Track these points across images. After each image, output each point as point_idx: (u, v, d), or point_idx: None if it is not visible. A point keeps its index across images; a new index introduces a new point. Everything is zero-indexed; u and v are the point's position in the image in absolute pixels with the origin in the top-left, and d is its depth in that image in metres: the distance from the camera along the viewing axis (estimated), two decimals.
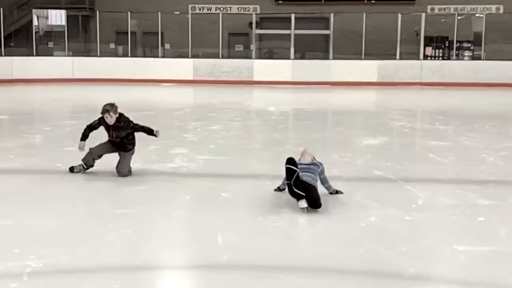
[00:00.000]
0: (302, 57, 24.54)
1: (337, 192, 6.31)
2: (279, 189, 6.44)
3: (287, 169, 5.67)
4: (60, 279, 4.20)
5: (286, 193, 5.99)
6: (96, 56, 24.35)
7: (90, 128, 7.44)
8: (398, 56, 23.21)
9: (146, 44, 26.23)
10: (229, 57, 24.79)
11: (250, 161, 8.80)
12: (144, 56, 25.39)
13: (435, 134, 11.44)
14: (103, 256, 4.60)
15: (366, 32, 23.24)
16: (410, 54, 23.51)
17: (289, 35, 23.86)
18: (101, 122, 7.29)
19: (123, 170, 7.22)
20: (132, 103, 17.13)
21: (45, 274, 4.24)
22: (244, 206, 6.12)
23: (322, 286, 4.14)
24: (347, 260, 4.58)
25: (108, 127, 7.25)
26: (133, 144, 7.44)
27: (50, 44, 25.57)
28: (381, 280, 4.31)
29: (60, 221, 5.43)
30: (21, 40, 25.58)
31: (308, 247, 4.81)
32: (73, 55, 24.40)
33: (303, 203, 5.60)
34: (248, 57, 24.44)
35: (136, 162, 8.22)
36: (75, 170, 7.32)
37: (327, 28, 24.47)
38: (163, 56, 24.63)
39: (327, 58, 23.82)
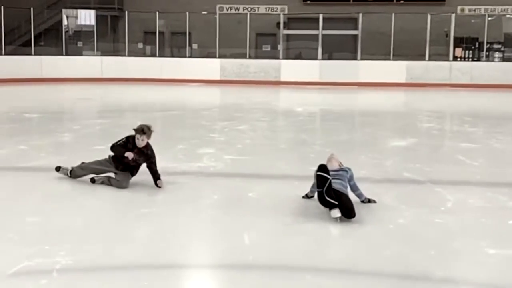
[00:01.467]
0: (330, 58, 24.46)
1: (369, 201, 5.98)
2: (307, 196, 6.17)
3: (318, 176, 5.45)
4: (89, 276, 4.23)
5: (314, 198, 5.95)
6: (124, 55, 24.56)
7: (117, 146, 6.77)
8: (427, 57, 23.00)
9: (173, 44, 26.40)
10: (256, 57, 24.82)
11: (277, 161, 8.78)
12: (172, 56, 25.55)
13: (464, 136, 11.30)
14: (131, 254, 4.62)
15: (394, 32, 23.07)
16: (440, 55, 23.27)
17: (317, 35, 23.79)
18: (128, 140, 6.73)
19: (125, 184, 6.69)
20: (159, 102, 17.27)
21: (74, 271, 4.28)
22: (271, 206, 6.10)
23: None
24: (374, 262, 4.54)
25: (131, 148, 6.68)
26: (137, 171, 6.87)
27: (80, 44, 25.89)
28: (409, 283, 4.26)
29: (89, 219, 5.47)
30: (51, 39, 25.91)
31: (336, 248, 4.78)
32: (102, 55, 24.65)
33: (337, 213, 5.34)
34: (276, 57, 24.42)
35: (163, 161, 8.27)
36: (59, 172, 6.94)
37: (355, 28, 24.37)
38: (191, 56, 24.75)
39: (355, 58, 23.69)
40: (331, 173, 5.60)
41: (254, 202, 6.30)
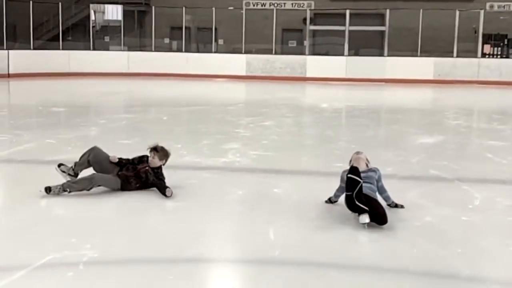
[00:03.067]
0: (356, 54, 24.31)
1: (396, 205, 5.68)
2: (330, 201, 5.84)
3: (349, 179, 5.17)
4: (115, 269, 4.26)
5: (336, 187, 5.88)
6: (150, 51, 24.69)
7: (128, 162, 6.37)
8: (455, 54, 22.74)
9: (200, 39, 26.47)
10: (282, 53, 24.77)
11: (302, 157, 8.76)
12: (198, 51, 25.61)
13: (492, 133, 11.15)
14: (157, 248, 4.64)
15: (422, 29, 22.86)
16: (468, 52, 22.99)
17: (344, 31, 23.65)
18: (142, 160, 6.37)
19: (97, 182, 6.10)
20: (185, 98, 17.33)
21: (101, 264, 4.31)
22: (296, 202, 6.09)
23: (375, 285, 4.08)
24: (401, 259, 4.50)
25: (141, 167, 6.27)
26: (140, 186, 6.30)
27: (106, 39, 26.08)
28: (435, 281, 4.22)
29: (115, 213, 5.51)
30: (79, 34, 26.15)
31: (362, 245, 4.75)
32: (128, 50, 24.81)
33: (366, 218, 5.05)
34: (302, 53, 24.35)
35: (188, 155, 8.30)
36: (51, 192, 5.88)
37: (383, 24, 24.18)
38: (217, 52, 24.78)
39: (382, 55, 23.52)
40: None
41: (279, 198, 6.29)
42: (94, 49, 24.69)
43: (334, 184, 5.91)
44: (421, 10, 23.02)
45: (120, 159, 6.35)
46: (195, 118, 13.14)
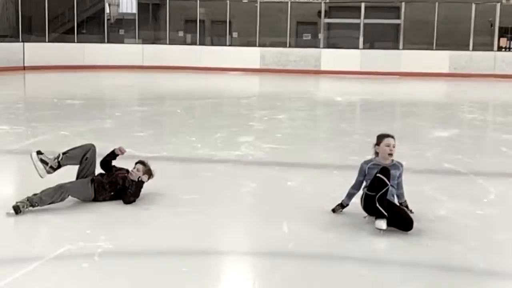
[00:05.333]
0: (371, 47, 24.20)
1: (407, 207, 5.25)
2: (341, 206, 5.29)
3: (377, 179, 4.83)
4: (129, 261, 4.28)
5: (350, 180, 5.80)
6: (165, 43, 24.72)
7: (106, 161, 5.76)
8: (471, 47, 22.57)
9: (214, 32, 26.47)
10: (297, 46, 24.72)
11: (317, 150, 8.75)
12: (212, 44, 25.61)
13: (508, 127, 11.08)
14: (171, 240, 4.66)
15: (438, 22, 22.71)
16: (484, 45, 22.82)
17: (359, 24, 23.54)
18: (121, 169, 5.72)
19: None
20: (199, 91, 17.35)
21: (115, 255, 4.33)
22: (310, 195, 6.09)
23: (389, 278, 4.08)
24: (415, 253, 4.48)
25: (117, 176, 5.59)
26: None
27: (121, 32, 26.16)
28: (450, 274, 4.20)
29: (130, 205, 5.52)
30: (93, 27, 26.25)
31: (376, 238, 4.73)
32: (143, 43, 24.88)
33: (383, 225, 4.73)
34: (316, 46, 24.27)
35: (202, 148, 8.32)
36: (20, 209, 5.02)
37: (398, 17, 24.04)
38: (231, 45, 24.77)
39: (397, 48, 23.40)
40: (378, 168, 5.00)
41: (293, 191, 6.29)
42: (108, 42, 24.77)
43: (349, 178, 5.85)
44: (436, 3, 22.87)
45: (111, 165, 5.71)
46: (209, 111, 13.17)
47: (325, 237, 4.77)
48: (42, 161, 5.38)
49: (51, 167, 5.39)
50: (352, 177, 5.58)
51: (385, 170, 4.86)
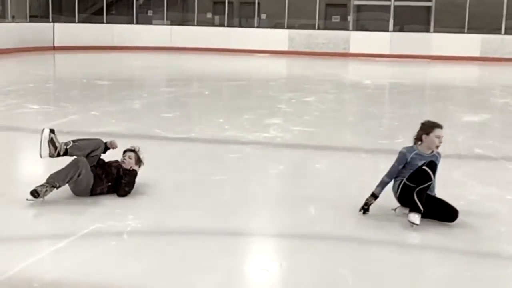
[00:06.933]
0: (401, 30, 23.87)
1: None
2: (374, 197, 4.81)
3: (422, 172, 4.57)
4: (157, 240, 4.32)
5: (378, 164, 5.76)
6: (193, 25, 24.71)
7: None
8: (503, 31, 22.16)
9: (242, 14, 26.34)
10: (325, 28, 24.49)
11: (344, 133, 8.70)
12: (240, 26, 25.51)
13: None
14: (199, 220, 4.68)
15: (470, 5, 22.30)
16: None
17: (389, 6, 23.25)
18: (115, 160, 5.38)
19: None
20: (227, 72, 17.34)
21: (143, 234, 4.37)
22: (337, 178, 6.07)
23: (416, 262, 4.05)
24: (444, 237, 4.44)
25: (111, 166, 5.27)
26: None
27: (150, 13, 26.17)
28: (479, 259, 4.16)
29: (158, 185, 5.56)
30: (122, 8, 26.31)
31: (403, 222, 4.69)
32: (171, 24, 24.88)
33: (417, 219, 4.49)
34: (345, 28, 24.04)
35: (230, 130, 8.33)
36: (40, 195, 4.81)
37: (429, 0, 23.66)
38: (259, 26, 24.65)
39: (427, 31, 23.07)
40: (422, 159, 4.74)
41: (320, 174, 6.27)
42: (137, 23, 24.85)
43: (377, 162, 5.84)
44: None
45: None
46: (237, 93, 13.15)
47: (352, 220, 4.74)
48: (51, 141, 5.07)
49: (58, 152, 5.07)
50: (380, 161, 5.54)
51: (433, 165, 4.60)
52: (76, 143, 5.13)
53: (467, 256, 4.21)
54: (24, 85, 12.95)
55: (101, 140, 5.29)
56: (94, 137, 5.39)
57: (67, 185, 4.96)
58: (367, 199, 4.79)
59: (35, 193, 4.74)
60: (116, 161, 5.31)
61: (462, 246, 4.32)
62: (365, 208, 4.77)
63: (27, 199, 4.75)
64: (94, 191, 5.06)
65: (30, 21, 22.84)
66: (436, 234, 4.49)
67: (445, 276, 3.85)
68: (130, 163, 5.30)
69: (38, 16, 23.84)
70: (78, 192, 5.06)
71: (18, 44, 21.08)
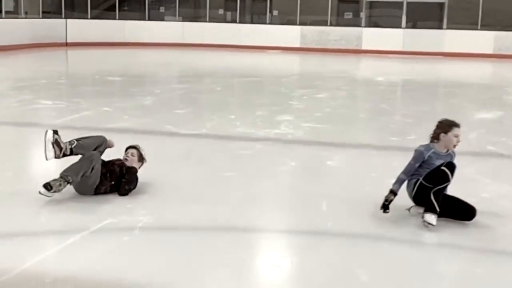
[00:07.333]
0: (414, 26, 23.72)
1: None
2: (394, 194, 4.66)
3: (441, 172, 4.48)
4: (169, 235, 4.33)
5: (390, 161, 5.76)
6: (205, 21, 24.70)
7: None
8: None
9: (254, 10, 26.30)
10: (338, 25, 24.39)
11: (356, 130, 8.68)
12: (252, 23, 25.48)
13: None
14: (211, 216, 4.69)
15: (483, 1, 22.14)
16: None
17: (401, 3, 23.13)
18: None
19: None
20: (238, 69, 17.34)
21: (155, 229, 4.38)
22: (349, 175, 6.05)
23: (429, 259, 4.03)
24: (456, 235, 4.42)
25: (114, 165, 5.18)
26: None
27: (162, 9, 26.18)
28: (492, 257, 4.14)
29: (169, 181, 5.57)
30: (134, 4, 26.37)
31: (416, 219, 4.67)
32: (183, 20, 24.89)
33: (434, 220, 4.40)
34: (357, 25, 23.95)
35: (242, 126, 8.33)
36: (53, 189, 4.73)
37: None
38: (271, 23, 24.61)
39: (440, 27, 22.93)
40: (438, 158, 4.69)
41: (332, 171, 6.26)
42: (149, 19, 24.88)
43: (388, 159, 5.82)
44: None
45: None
46: (249, 89, 13.15)
47: (364, 217, 4.73)
48: (56, 142, 4.96)
49: (63, 152, 4.97)
50: (392, 158, 5.53)
51: (452, 166, 4.51)
52: (80, 142, 5.06)
53: (480, 254, 4.19)
54: (37, 81, 13.03)
55: (104, 137, 5.24)
56: (95, 134, 5.32)
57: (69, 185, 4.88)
58: (386, 196, 4.65)
59: (48, 186, 4.69)
60: (119, 159, 5.25)
61: (475, 244, 4.30)
62: (385, 205, 4.62)
63: (39, 192, 4.71)
64: (99, 190, 5.00)
65: (43, 17, 22.96)
66: (448, 232, 4.47)
67: (458, 274, 3.84)
68: (132, 161, 5.23)
69: (51, 12, 23.94)
70: (83, 190, 4.99)
71: (31, 40, 21.18)
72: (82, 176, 4.83)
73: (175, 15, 25.17)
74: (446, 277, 3.82)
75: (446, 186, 4.49)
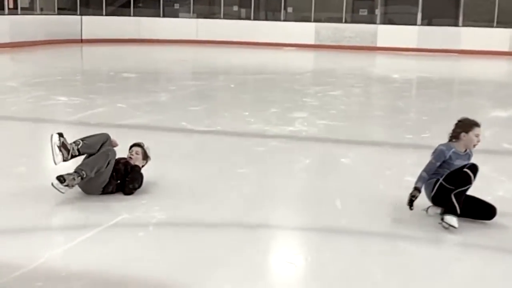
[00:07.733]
0: (430, 23, 23.60)
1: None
2: (418, 191, 4.57)
3: (463, 174, 4.40)
4: (183, 231, 4.34)
5: (405, 159, 5.74)
6: (219, 18, 24.72)
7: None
8: None
9: (268, 7, 26.26)
10: (352, 21, 24.31)
11: (371, 127, 8.64)
12: (266, 19, 25.45)
13: None
14: (224, 212, 4.70)
15: None
16: None
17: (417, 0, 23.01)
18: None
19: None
20: (253, 66, 17.33)
21: (169, 226, 4.39)
22: (364, 172, 6.03)
23: (442, 257, 4.01)
24: (471, 234, 4.38)
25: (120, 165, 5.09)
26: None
27: (176, 6, 26.23)
28: (505, 256, 4.11)
29: (183, 177, 5.58)
30: (149, 1, 26.40)
31: (431, 218, 4.64)
32: (197, 17, 24.92)
33: (454, 221, 4.33)
34: (372, 22, 23.84)
35: (256, 123, 8.33)
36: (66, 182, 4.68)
37: None
38: (285, 20, 24.57)
39: (456, 25, 22.78)
40: (458, 158, 4.63)
41: (347, 168, 6.24)
42: (164, 16, 24.94)
43: (403, 156, 5.79)
44: None
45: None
46: (263, 86, 13.14)
47: (378, 215, 4.71)
48: (63, 145, 4.86)
49: (71, 154, 4.88)
50: (407, 156, 5.50)
51: (475, 168, 4.41)
52: (85, 141, 4.98)
53: (496, 252, 4.16)
54: (52, 77, 13.09)
55: (107, 134, 5.17)
56: (98, 133, 5.20)
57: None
58: (412, 193, 4.55)
59: (61, 178, 4.64)
60: (124, 158, 5.17)
61: (491, 243, 4.27)
62: (412, 200, 4.52)
63: (52, 184, 4.66)
64: (106, 189, 4.93)
65: (58, 14, 23.09)
66: (463, 230, 4.43)
67: (474, 273, 3.82)
68: (137, 159, 5.18)
69: (66, 9, 24.07)
70: (90, 190, 4.92)
71: (46, 36, 21.32)
72: (97, 171, 4.79)
73: (190, 12, 25.20)
74: (462, 276, 3.79)
75: (467, 189, 4.42)
